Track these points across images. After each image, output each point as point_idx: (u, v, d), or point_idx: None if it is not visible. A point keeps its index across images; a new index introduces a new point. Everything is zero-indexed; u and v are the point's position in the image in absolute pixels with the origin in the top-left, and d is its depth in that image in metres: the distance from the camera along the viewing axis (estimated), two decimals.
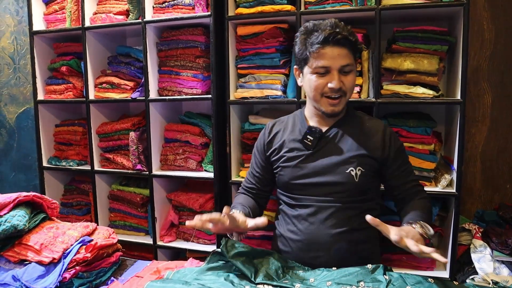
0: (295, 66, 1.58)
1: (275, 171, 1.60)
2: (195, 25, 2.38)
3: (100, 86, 2.60)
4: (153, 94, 2.46)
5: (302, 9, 2.12)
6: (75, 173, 2.88)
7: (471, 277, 2.03)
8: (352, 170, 1.46)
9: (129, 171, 2.55)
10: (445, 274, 2.07)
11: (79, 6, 2.55)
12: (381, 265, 1.25)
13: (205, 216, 1.29)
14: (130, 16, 2.48)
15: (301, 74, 1.54)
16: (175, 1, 2.35)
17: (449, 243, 2.03)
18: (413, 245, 1.18)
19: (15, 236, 1.45)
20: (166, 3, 2.38)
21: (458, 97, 1.95)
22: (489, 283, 1.97)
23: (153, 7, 2.42)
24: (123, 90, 2.54)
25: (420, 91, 2.00)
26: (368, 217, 1.22)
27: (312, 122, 1.57)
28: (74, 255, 1.40)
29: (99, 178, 2.68)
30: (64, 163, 2.74)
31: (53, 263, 1.39)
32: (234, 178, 2.34)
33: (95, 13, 2.56)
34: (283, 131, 1.61)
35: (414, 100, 2.00)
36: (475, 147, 2.45)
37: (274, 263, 1.28)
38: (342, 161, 1.47)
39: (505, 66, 2.35)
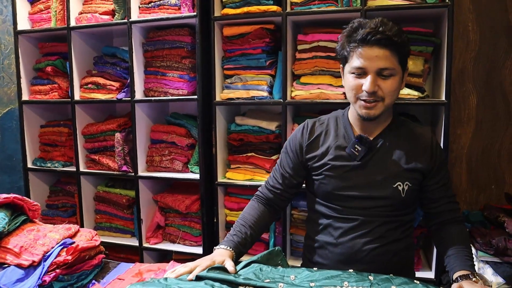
0: (340, 65, 1.46)
1: (315, 177, 1.48)
2: (181, 26, 2.37)
3: (85, 86, 2.57)
4: (139, 95, 2.44)
5: (288, 9, 2.12)
6: (61, 175, 2.85)
7: None
8: (400, 185, 1.38)
9: (115, 173, 2.53)
10: (430, 274, 2.08)
11: (64, 5, 2.52)
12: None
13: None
14: (116, 16, 2.46)
15: (342, 73, 1.44)
16: (161, 1, 2.33)
17: None
18: None
19: None
20: (152, 3, 2.36)
21: (443, 98, 1.96)
22: None
23: (139, 7, 2.41)
24: (108, 90, 2.52)
25: (405, 92, 2.00)
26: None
27: (357, 128, 1.45)
28: (55, 258, 1.38)
29: (84, 180, 2.65)
30: (49, 164, 2.71)
31: (33, 266, 1.37)
32: (220, 179, 2.33)
33: (81, 13, 2.54)
34: (325, 134, 1.48)
35: (399, 101, 2.00)
36: (460, 148, 2.46)
37: (250, 267, 1.27)
38: (390, 176, 1.38)
39: (490, 67, 2.36)
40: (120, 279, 1.43)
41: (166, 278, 1.21)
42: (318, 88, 2.12)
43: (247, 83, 2.26)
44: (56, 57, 2.65)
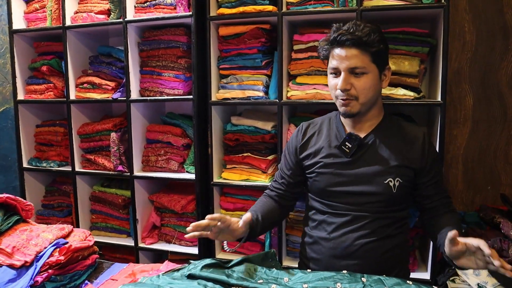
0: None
1: (309, 175, 1.56)
2: (176, 25, 2.36)
3: (81, 86, 2.56)
4: (134, 95, 2.43)
5: (284, 9, 2.11)
6: (56, 174, 2.84)
7: (451, 278, 2.03)
8: (391, 181, 1.42)
9: (111, 172, 2.52)
10: (426, 275, 2.08)
11: (60, 5, 2.51)
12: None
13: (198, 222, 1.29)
14: (111, 15, 2.45)
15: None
16: (156, 1, 2.33)
17: (430, 244, 2.04)
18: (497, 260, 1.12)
19: None
20: (147, 3, 2.35)
21: (439, 98, 1.96)
22: (469, 285, 1.97)
23: (135, 6, 2.40)
24: (104, 90, 2.51)
25: (401, 92, 2.00)
26: (452, 235, 1.20)
27: (348, 127, 1.52)
28: (47, 258, 1.38)
29: (80, 179, 2.64)
30: (44, 164, 2.70)
31: (25, 267, 1.37)
32: (215, 179, 2.33)
33: (76, 12, 2.53)
34: (317, 134, 1.57)
35: (395, 101, 2.00)
36: (457, 148, 2.46)
37: (244, 265, 1.27)
38: (381, 171, 1.43)
39: (486, 68, 2.36)
40: (113, 279, 1.43)
41: (158, 278, 1.21)
42: (314, 88, 2.12)
43: (243, 83, 2.25)
44: (51, 56, 2.63)
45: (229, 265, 1.28)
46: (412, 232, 2.17)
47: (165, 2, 2.31)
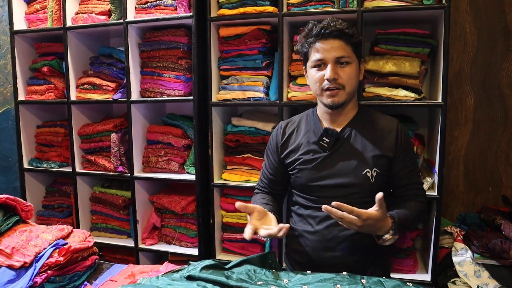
0: (303, 67, 1.58)
1: (290, 172, 1.59)
2: (177, 26, 2.36)
3: (81, 87, 2.56)
4: (135, 96, 2.43)
5: (285, 10, 2.11)
6: (57, 175, 2.84)
7: (452, 280, 2.02)
8: (368, 172, 1.47)
9: (111, 173, 2.52)
10: (426, 277, 2.07)
11: (60, 5, 2.51)
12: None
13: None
14: (112, 16, 2.45)
15: (306, 72, 1.56)
16: (157, 2, 2.33)
17: (431, 246, 2.03)
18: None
19: None
20: (148, 4, 2.35)
21: (440, 100, 1.95)
22: (470, 287, 1.97)
23: (135, 7, 2.40)
24: (105, 91, 2.51)
25: (401, 93, 1.99)
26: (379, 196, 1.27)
27: (325, 122, 1.57)
28: (47, 259, 1.37)
29: (80, 180, 2.64)
30: (45, 165, 2.70)
31: (25, 267, 1.36)
32: (216, 180, 2.33)
33: (77, 13, 2.53)
34: (296, 132, 1.61)
35: (396, 102, 2.00)
36: (458, 150, 2.46)
37: (244, 267, 1.26)
38: (358, 163, 1.48)
39: (487, 69, 2.36)
40: (112, 280, 1.42)
41: (157, 279, 1.20)
42: None
43: (244, 84, 2.25)
44: (52, 57, 2.64)
45: (229, 266, 1.27)
46: (412, 234, 2.17)
47: (165, 3, 2.31)
